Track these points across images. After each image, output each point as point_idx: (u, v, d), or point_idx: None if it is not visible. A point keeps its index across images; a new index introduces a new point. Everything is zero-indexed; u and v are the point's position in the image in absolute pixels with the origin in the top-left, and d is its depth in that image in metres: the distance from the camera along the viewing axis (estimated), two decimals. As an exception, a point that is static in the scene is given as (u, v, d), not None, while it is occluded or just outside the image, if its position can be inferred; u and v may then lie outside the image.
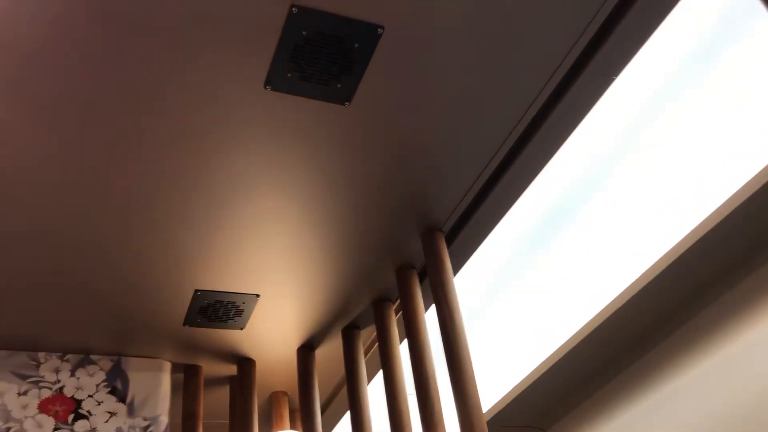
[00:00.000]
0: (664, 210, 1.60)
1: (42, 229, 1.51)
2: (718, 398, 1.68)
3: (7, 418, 1.74)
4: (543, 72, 1.33)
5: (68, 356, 1.88)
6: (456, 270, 1.79)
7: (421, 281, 1.78)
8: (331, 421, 2.33)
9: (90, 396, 1.85)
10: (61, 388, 1.84)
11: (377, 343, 1.86)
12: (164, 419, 1.88)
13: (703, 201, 1.51)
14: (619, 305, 1.75)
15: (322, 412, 2.26)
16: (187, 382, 2.01)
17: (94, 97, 1.26)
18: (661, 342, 1.86)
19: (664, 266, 1.62)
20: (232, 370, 2.08)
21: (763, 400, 1.56)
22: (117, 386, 1.89)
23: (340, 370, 2.08)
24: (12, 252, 1.55)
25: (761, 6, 0.98)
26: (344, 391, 2.08)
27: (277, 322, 1.92)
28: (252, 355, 2.04)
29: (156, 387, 1.93)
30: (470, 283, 1.92)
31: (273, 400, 2.19)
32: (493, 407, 2.11)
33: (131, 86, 1.25)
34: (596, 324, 1.83)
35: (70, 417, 1.80)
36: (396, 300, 1.89)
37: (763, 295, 1.60)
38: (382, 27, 1.21)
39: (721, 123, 1.45)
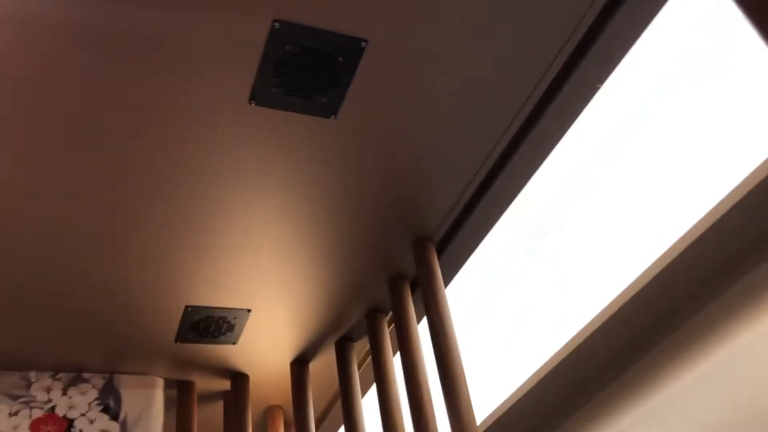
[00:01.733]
0: (654, 216, 1.60)
1: (30, 248, 1.50)
2: (713, 404, 1.68)
3: (-2, 439, 1.73)
4: (528, 81, 1.33)
5: (60, 375, 1.87)
6: (447, 280, 1.78)
7: (414, 291, 1.78)
8: (326, 435, 2.32)
9: (82, 414, 1.84)
10: (52, 408, 1.82)
11: (371, 356, 1.85)
12: (158, 437, 1.87)
13: (694, 206, 1.51)
14: (611, 313, 1.74)
15: (317, 426, 2.24)
16: (181, 398, 2.00)
17: (81, 121, 1.25)
18: (656, 348, 1.86)
19: (654, 273, 1.61)
20: (225, 385, 2.06)
21: (758, 404, 1.56)
22: (110, 404, 1.88)
23: (335, 383, 2.07)
24: (1, 272, 1.54)
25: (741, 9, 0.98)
26: (339, 404, 2.07)
27: (269, 337, 1.91)
28: (245, 369, 2.02)
29: (149, 404, 1.91)
30: (462, 293, 1.91)
31: (268, 415, 2.18)
32: (486, 418, 2.10)
33: (115, 109, 1.24)
34: (589, 332, 1.82)
35: (62, 436, 1.79)
36: (389, 311, 1.88)
37: (756, 298, 1.60)
38: (365, 40, 1.21)
39: (710, 127, 1.45)
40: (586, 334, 1.84)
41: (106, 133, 1.29)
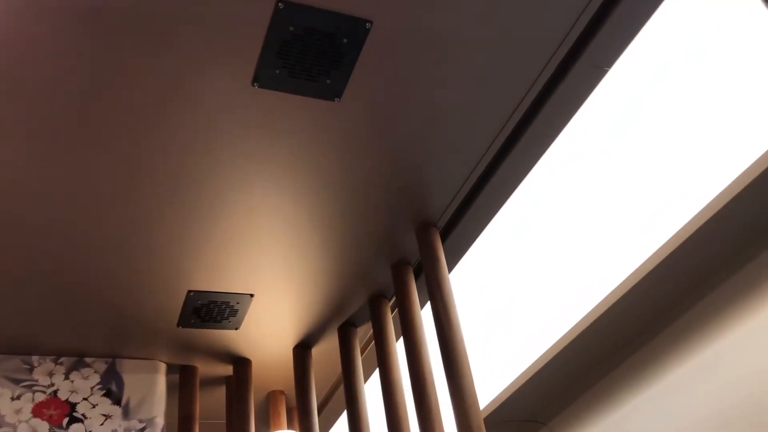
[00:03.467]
0: (658, 203, 1.59)
1: (33, 233, 1.49)
2: (714, 389, 1.67)
3: (1, 423, 1.73)
4: (534, 64, 1.32)
5: (62, 359, 1.87)
6: (451, 266, 1.78)
7: (417, 277, 1.77)
8: (328, 420, 2.32)
9: (84, 399, 1.84)
10: (55, 392, 1.82)
11: (374, 341, 1.85)
12: (160, 421, 1.87)
13: (698, 194, 1.50)
14: (615, 299, 1.74)
15: (320, 411, 2.25)
16: (183, 383, 2.00)
17: (81, 104, 1.24)
18: (659, 334, 1.86)
19: (658, 261, 1.61)
20: (228, 370, 2.06)
21: (756, 391, 1.55)
22: (112, 388, 1.88)
23: (337, 368, 2.07)
24: (3, 257, 1.54)
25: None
26: (341, 389, 2.07)
27: (272, 322, 1.91)
28: (248, 354, 2.02)
29: (151, 388, 1.91)
30: (466, 278, 1.90)
31: (270, 400, 2.18)
32: (491, 402, 2.10)
33: (115, 91, 1.23)
34: (593, 318, 1.82)
35: (65, 420, 1.79)
36: (392, 297, 1.87)
37: (756, 289, 1.59)
38: (370, 21, 1.19)
39: (716, 114, 1.44)
40: (590, 320, 1.83)
41: (108, 121, 1.28)
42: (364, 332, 2.01)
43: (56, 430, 1.77)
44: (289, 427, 2.16)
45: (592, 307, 1.82)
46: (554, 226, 1.74)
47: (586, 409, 2.11)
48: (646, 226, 1.63)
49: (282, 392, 2.18)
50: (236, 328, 1.90)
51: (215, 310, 1.81)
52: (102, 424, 1.81)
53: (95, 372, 1.89)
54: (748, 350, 1.61)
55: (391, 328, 1.83)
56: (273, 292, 1.80)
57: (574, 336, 1.89)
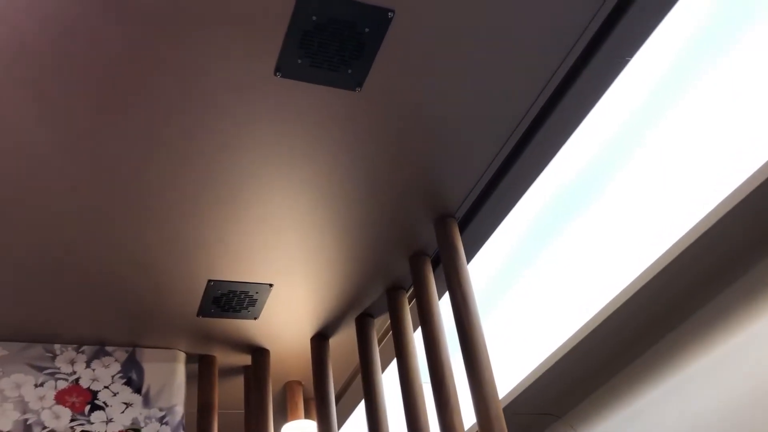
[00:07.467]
0: (678, 197, 1.58)
1: (56, 223, 1.51)
2: (729, 384, 1.67)
3: (25, 409, 1.75)
4: (556, 54, 1.32)
5: (84, 348, 1.89)
6: (469, 257, 1.78)
7: (435, 268, 1.77)
8: (346, 410, 2.33)
9: (106, 387, 1.86)
10: (77, 380, 1.85)
11: (391, 332, 1.86)
12: (180, 409, 1.89)
13: (714, 192, 1.48)
14: (633, 292, 1.73)
15: (337, 401, 2.26)
16: (202, 372, 2.02)
17: (107, 92, 1.25)
18: (675, 329, 1.85)
19: (675, 255, 1.60)
20: (246, 360, 2.08)
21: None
22: (132, 377, 1.90)
23: (355, 358, 2.08)
24: (27, 245, 1.56)
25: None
26: (359, 379, 2.08)
27: (290, 312, 1.92)
28: (266, 344, 2.04)
29: (171, 377, 1.93)
30: (484, 269, 1.90)
31: (287, 390, 2.19)
32: (508, 394, 2.10)
33: (141, 79, 1.24)
34: (611, 311, 1.81)
35: (87, 408, 1.81)
36: (409, 288, 1.88)
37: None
38: (392, 11, 1.19)
39: (735, 110, 1.43)
40: (608, 313, 1.83)
41: (131, 110, 1.29)
42: (381, 323, 2.02)
43: (78, 417, 1.80)
44: (307, 417, 2.17)
45: (609, 301, 1.81)
46: (574, 217, 1.74)
47: (600, 404, 2.10)
48: (666, 219, 1.63)
49: (299, 382, 2.19)
50: (255, 318, 1.92)
51: (234, 299, 1.83)
52: (123, 412, 1.84)
53: (116, 360, 1.91)
54: (763, 346, 1.60)
55: (408, 318, 1.83)
56: (292, 283, 1.81)
57: (590, 330, 1.89)
